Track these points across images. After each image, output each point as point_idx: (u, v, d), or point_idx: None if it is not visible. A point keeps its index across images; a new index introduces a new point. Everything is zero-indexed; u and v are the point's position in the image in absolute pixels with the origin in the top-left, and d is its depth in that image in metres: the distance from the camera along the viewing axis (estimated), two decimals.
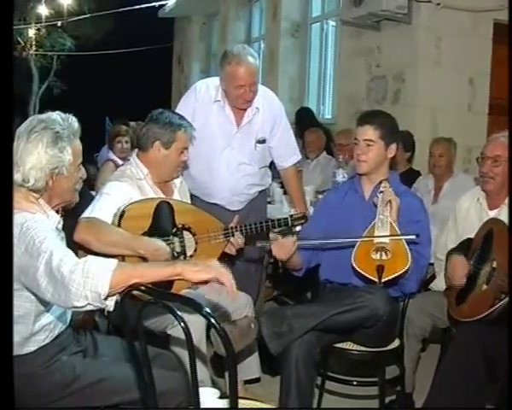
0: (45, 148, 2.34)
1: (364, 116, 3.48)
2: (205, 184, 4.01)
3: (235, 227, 3.50)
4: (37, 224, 2.24)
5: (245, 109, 3.96)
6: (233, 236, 3.50)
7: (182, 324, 1.89)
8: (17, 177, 2.35)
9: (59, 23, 20.24)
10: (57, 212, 2.49)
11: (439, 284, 3.67)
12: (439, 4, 6.35)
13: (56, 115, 2.44)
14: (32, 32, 21.81)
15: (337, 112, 8.33)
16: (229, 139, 3.98)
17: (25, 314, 2.32)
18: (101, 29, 21.00)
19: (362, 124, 3.38)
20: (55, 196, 2.44)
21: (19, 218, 2.24)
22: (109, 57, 20.58)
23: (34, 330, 2.36)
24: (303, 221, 3.68)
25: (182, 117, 3.49)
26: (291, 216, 3.70)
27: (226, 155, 3.98)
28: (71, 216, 2.97)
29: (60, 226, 2.48)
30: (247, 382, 3.56)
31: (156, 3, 14.23)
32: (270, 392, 3.40)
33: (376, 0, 6.33)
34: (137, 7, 15.23)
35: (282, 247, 3.23)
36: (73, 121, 2.46)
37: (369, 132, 3.34)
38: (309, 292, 4.88)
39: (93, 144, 8.86)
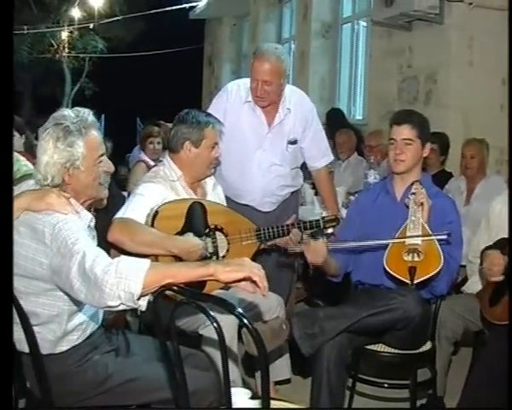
0: (55, 143, 2.35)
1: (400, 116, 3.46)
2: (236, 184, 4.00)
3: (267, 228, 3.50)
4: (69, 225, 2.25)
5: (264, 107, 3.92)
6: (274, 238, 3.52)
7: (215, 324, 1.88)
8: (39, 177, 2.38)
9: (91, 25, 20.41)
10: (89, 210, 2.51)
11: (471, 286, 3.65)
12: (471, 4, 6.28)
13: (69, 111, 2.44)
14: (64, 35, 22.03)
15: (368, 113, 8.29)
16: (261, 140, 3.96)
17: (58, 314, 2.34)
18: (133, 31, 21.15)
19: (399, 123, 3.36)
20: (77, 192, 2.43)
21: (51, 219, 2.25)
22: (140, 59, 20.69)
23: (67, 329, 2.37)
24: (335, 223, 3.63)
25: (208, 114, 3.50)
26: (323, 218, 3.66)
27: (258, 155, 3.96)
28: (103, 216, 3.00)
29: (92, 224, 2.49)
30: (277, 383, 3.56)
31: (187, 5, 14.27)
32: (300, 393, 3.39)
33: (408, 0, 6.29)
34: (168, 8, 15.29)
35: (315, 251, 3.22)
36: (86, 115, 2.43)
37: (407, 132, 3.33)
38: (340, 294, 4.86)
39: (125, 145, 8.95)
